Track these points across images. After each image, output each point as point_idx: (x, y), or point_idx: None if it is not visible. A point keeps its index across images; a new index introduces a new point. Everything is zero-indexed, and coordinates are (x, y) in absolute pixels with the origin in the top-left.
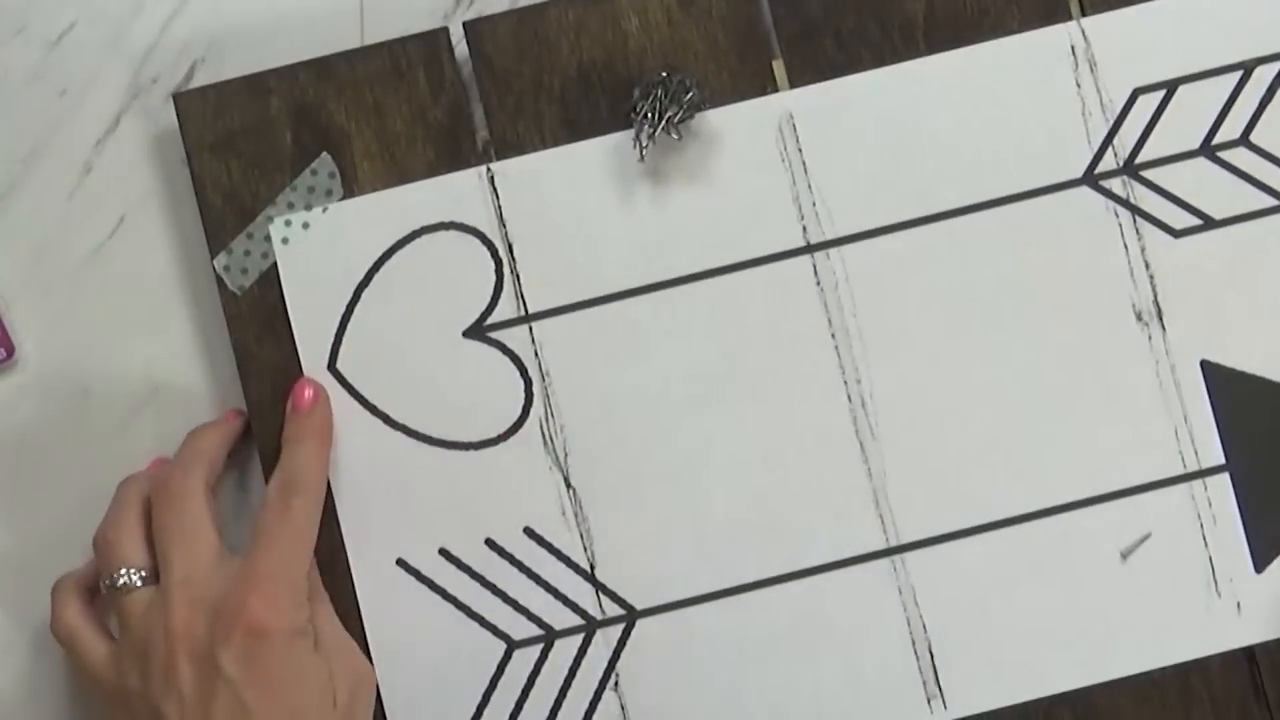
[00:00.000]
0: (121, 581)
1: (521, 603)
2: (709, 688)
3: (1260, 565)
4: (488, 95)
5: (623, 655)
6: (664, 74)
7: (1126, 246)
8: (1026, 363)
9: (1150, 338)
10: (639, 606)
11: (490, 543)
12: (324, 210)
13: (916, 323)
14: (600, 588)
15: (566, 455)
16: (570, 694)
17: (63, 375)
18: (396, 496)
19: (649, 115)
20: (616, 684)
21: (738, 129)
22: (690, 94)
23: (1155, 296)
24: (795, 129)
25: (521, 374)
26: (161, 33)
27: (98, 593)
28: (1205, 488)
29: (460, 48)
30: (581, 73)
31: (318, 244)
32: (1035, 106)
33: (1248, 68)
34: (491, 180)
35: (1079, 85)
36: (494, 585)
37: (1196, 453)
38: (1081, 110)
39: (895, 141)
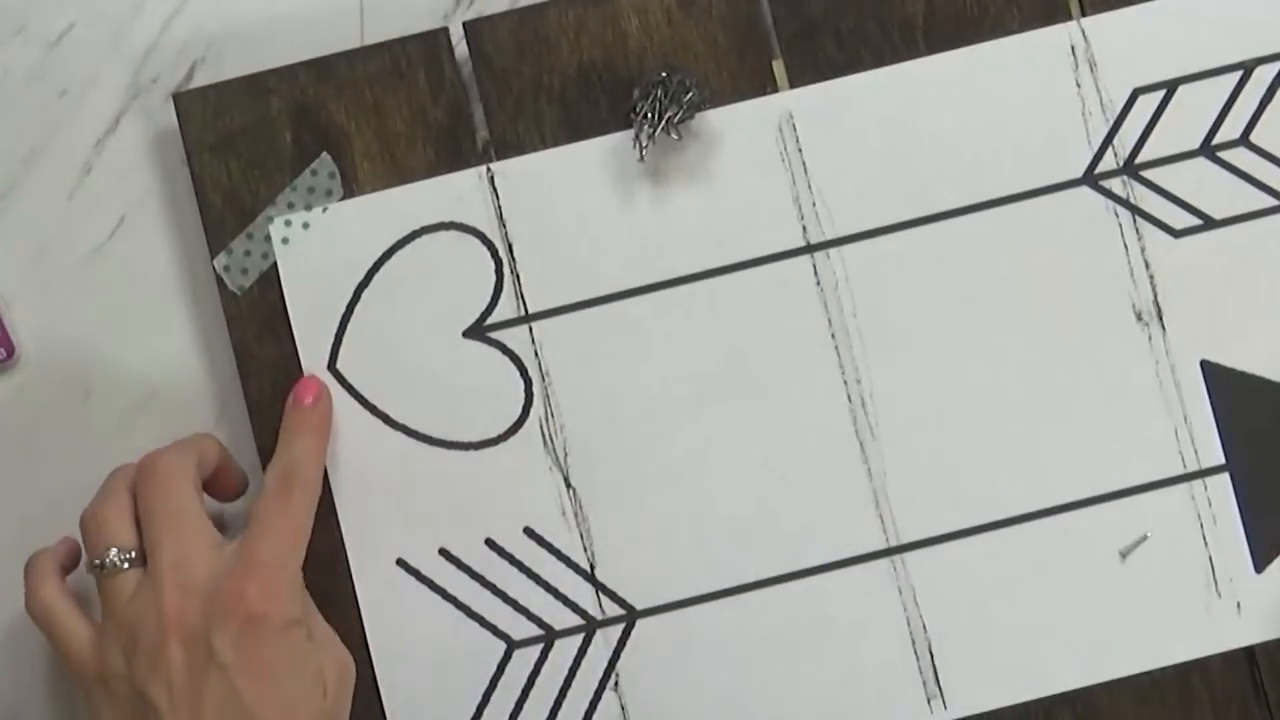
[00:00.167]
0: (110, 561)
1: (521, 603)
2: (709, 688)
3: (1260, 565)
4: (488, 95)
5: (623, 655)
6: (664, 74)
7: (1126, 246)
8: (1026, 363)
9: (1150, 338)
10: (639, 606)
11: (490, 543)
12: (324, 210)
13: (916, 323)
14: (600, 588)
15: (566, 455)
16: (570, 694)
17: (63, 375)
18: (396, 496)
19: (649, 115)
20: (616, 684)
21: (738, 129)
22: (690, 94)
23: (1155, 296)
24: (795, 129)
25: (521, 374)
26: (161, 33)
27: (68, 574)
28: (1205, 488)
29: (460, 48)
30: (581, 73)
31: (318, 244)
32: (1035, 106)
33: (1248, 68)
34: (491, 180)
35: (1079, 85)
36: (494, 585)
37: (1196, 453)
38: (1081, 110)
39: (895, 141)
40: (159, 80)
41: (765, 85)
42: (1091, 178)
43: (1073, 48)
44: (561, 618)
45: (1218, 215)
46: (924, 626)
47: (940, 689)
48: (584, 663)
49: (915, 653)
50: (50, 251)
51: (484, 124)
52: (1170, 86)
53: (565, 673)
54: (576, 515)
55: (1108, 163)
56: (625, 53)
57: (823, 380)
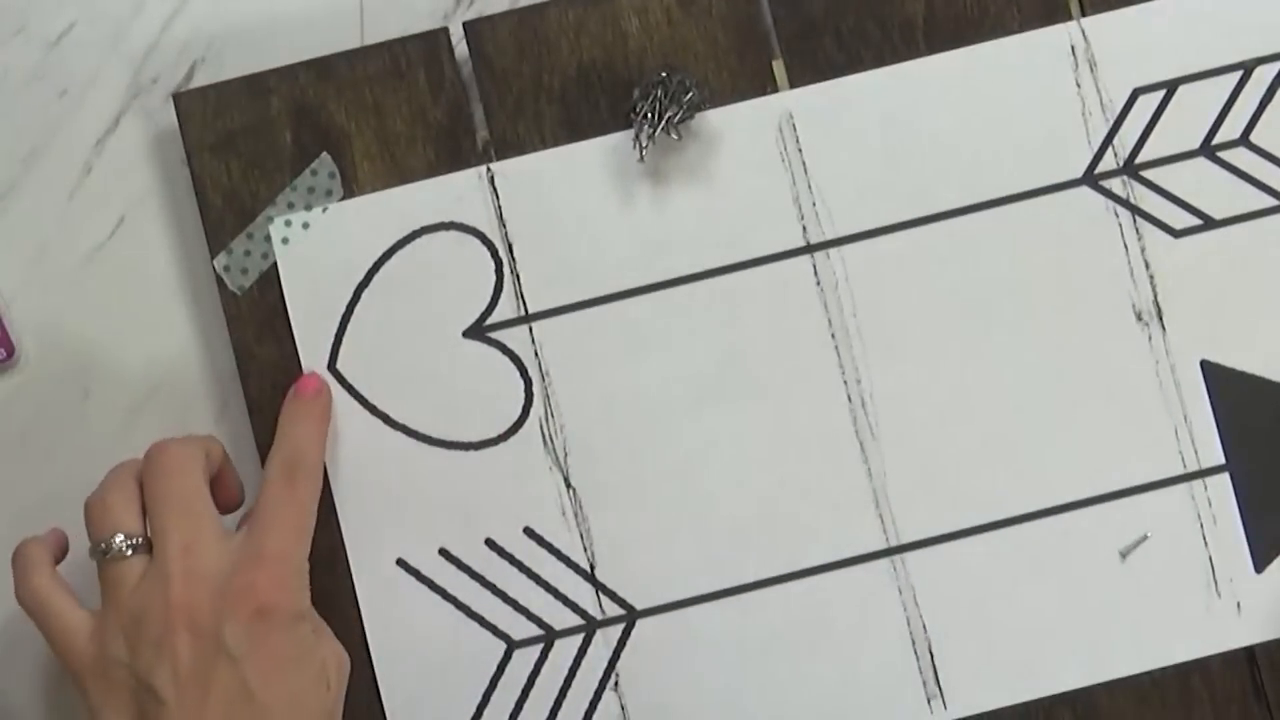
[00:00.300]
0: (115, 547)
1: (521, 603)
2: (709, 688)
3: (1260, 565)
4: (488, 95)
5: (623, 655)
6: (664, 74)
7: (1126, 246)
8: (1026, 363)
9: (1150, 338)
10: (639, 606)
11: (490, 543)
12: (324, 210)
13: (916, 323)
14: (600, 588)
15: (566, 455)
16: (570, 694)
17: (63, 375)
18: (396, 496)
19: (649, 115)
20: (616, 684)
21: (738, 129)
22: (690, 94)
23: (1155, 296)
24: (795, 129)
25: (521, 374)
26: (161, 33)
27: (57, 564)
28: (1205, 488)
29: (460, 48)
30: (581, 73)
31: (318, 244)
32: (1035, 106)
33: (1248, 68)
34: (491, 180)
35: (1079, 85)
36: (494, 585)
37: (1196, 453)
38: (1081, 110)
39: (895, 141)
40: (159, 80)
41: (765, 85)
42: (1091, 178)
43: (1073, 48)
44: (561, 618)
45: (1218, 215)
46: (924, 626)
47: (940, 689)
48: (584, 663)
49: (915, 653)
50: (50, 251)
51: (484, 124)
52: (1170, 86)
53: (565, 673)
54: (576, 515)
55: (1108, 163)
56: (625, 53)
57: (823, 380)
